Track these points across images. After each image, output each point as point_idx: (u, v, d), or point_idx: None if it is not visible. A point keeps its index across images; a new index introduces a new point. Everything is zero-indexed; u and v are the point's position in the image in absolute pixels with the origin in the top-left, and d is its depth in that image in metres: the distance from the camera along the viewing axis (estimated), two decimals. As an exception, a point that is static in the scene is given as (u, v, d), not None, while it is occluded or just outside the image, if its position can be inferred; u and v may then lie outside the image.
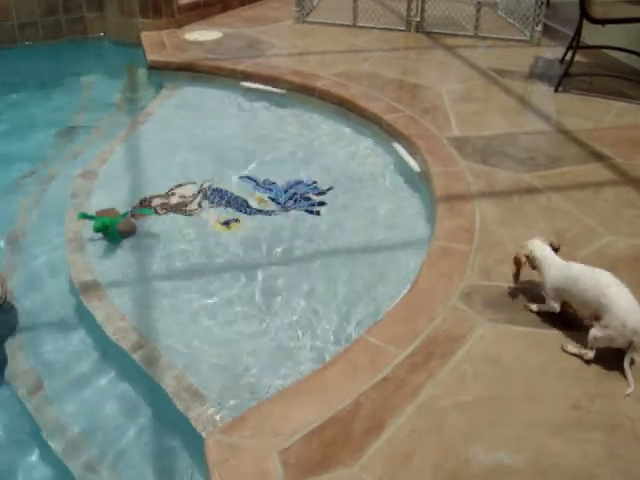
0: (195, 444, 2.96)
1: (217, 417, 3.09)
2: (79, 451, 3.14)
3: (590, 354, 3.09)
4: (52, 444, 3.17)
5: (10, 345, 3.73)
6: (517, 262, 3.43)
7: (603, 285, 3.11)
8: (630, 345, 2.99)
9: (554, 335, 3.25)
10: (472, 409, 2.86)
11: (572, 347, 3.15)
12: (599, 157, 4.95)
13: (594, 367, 3.06)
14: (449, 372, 3.02)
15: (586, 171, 4.76)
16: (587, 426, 2.79)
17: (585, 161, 4.90)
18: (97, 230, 4.31)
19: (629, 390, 2.95)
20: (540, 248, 3.40)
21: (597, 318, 3.10)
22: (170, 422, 3.23)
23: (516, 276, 3.47)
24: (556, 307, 3.31)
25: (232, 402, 3.19)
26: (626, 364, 3.01)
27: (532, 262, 3.41)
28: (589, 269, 3.24)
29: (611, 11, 5.94)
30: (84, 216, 4.41)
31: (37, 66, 7.79)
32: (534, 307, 3.40)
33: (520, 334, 3.26)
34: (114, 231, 4.34)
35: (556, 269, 3.32)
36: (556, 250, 3.46)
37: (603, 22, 5.88)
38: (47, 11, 8.17)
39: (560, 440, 2.72)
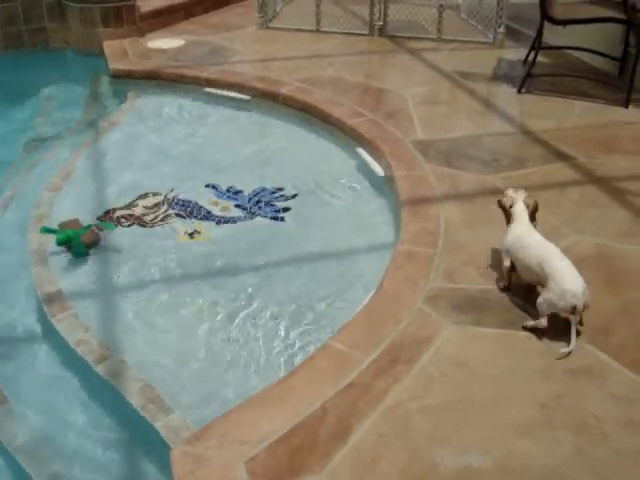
0: (162, 455, 2.92)
1: (184, 428, 3.06)
2: (44, 464, 3.09)
3: (543, 322, 3.24)
4: (17, 457, 3.12)
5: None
6: (502, 207, 3.68)
7: (546, 255, 3.34)
8: (573, 311, 3.14)
9: (520, 336, 3.25)
10: (439, 412, 2.85)
11: (528, 322, 3.30)
12: (563, 157, 4.98)
13: (561, 366, 3.07)
14: (415, 376, 3.01)
15: (550, 171, 4.78)
16: (555, 426, 2.80)
17: (549, 161, 4.93)
18: (60, 243, 4.26)
19: (566, 349, 3.12)
20: (521, 207, 3.59)
21: (539, 284, 3.37)
22: (137, 434, 3.20)
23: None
24: (508, 264, 3.52)
25: (199, 412, 3.15)
26: (572, 327, 3.15)
27: (507, 214, 3.63)
28: (541, 241, 3.46)
29: (571, 12, 5.99)
30: (47, 230, 4.36)
31: (-2, 77, 7.72)
32: (501, 284, 3.60)
33: (486, 336, 3.26)
34: (78, 243, 4.29)
35: (518, 234, 3.52)
36: (533, 213, 3.62)
37: (564, 23, 5.93)
38: (7, 21, 8.08)
39: (528, 441, 2.73)
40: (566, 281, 3.19)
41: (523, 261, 3.44)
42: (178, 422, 3.08)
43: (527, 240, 3.47)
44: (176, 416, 3.11)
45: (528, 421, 2.82)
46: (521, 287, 3.56)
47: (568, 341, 3.14)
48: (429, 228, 4.07)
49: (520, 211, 3.58)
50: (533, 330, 3.27)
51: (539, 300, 3.24)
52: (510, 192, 3.69)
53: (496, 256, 3.78)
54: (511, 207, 3.62)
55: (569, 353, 3.11)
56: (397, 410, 2.85)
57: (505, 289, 3.59)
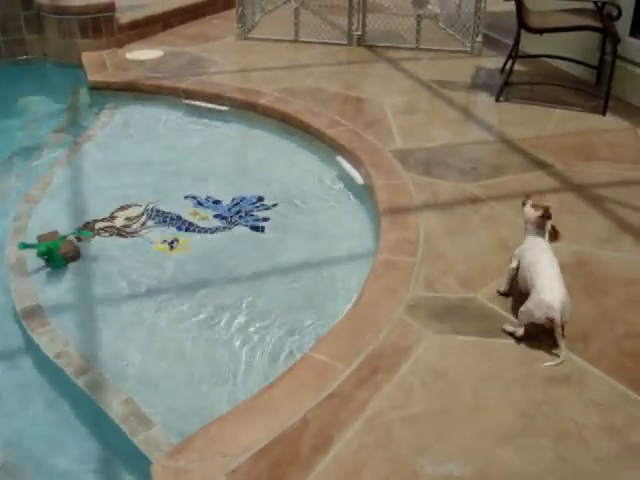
0: (143, 469, 2.91)
1: (164, 441, 3.04)
2: (23, 480, 3.08)
3: (520, 331, 3.27)
4: (-4, 475, 3.11)
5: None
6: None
7: (535, 263, 3.33)
8: (551, 322, 3.14)
9: (500, 344, 3.27)
10: (419, 422, 2.85)
11: (508, 325, 3.33)
12: (541, 165, 5.01)
13: (540, 374, 3.08)
14: (395, 386, 3.01)
15: (528, 179, 4.81)
16: (535, 433, 2.81)
17: (527, 169, 4.95)
18: (41, 254, 4.23)
19: (552, 363, 3.14)
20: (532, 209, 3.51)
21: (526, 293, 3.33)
22: (117, 447, 3.18)
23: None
24: (515, 265, 3.50)
25: (180, 425, 3.13)
26: (559, 339, 3.16)
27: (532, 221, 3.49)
28: (539, 250, 3.41)
29: (548, 20, 6.02)
30: (25, 246, 4.33)
31: (-24, 89, 7.68)
32: (502, 288, 3.62)
33: (466, 344, 3.27)
34: (56, 256, 4.27)
35: (531, 239, 3.49)
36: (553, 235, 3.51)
37: (540, 31, 5.95)
38: (-15, 33, 8.06)
39: (509, 449, 2.73)
40: (545, 291, 3.18)
41: (521, 264, 3.46)
42: (159, 435, 3.07)
43: (531, 245, 3.47)
44: (157, 429, 3.10)
45: (508, 429, 2.83)
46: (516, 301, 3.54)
47: (548, 350, 3.19)
48: (409, 237, 4.08)
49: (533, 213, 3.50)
50: (511, 335, 3.30)
51: (521, 308, 3.26)
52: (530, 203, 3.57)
53: (475, 262, 3.81)
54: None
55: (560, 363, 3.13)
56: (378, 420, 2.85)
57: (504, 294, 3.61)
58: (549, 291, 3.18)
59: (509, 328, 3.32)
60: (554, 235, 3.50)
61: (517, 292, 3.54)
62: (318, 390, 2.98)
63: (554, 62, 6.85)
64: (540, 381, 3.05)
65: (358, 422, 2.83)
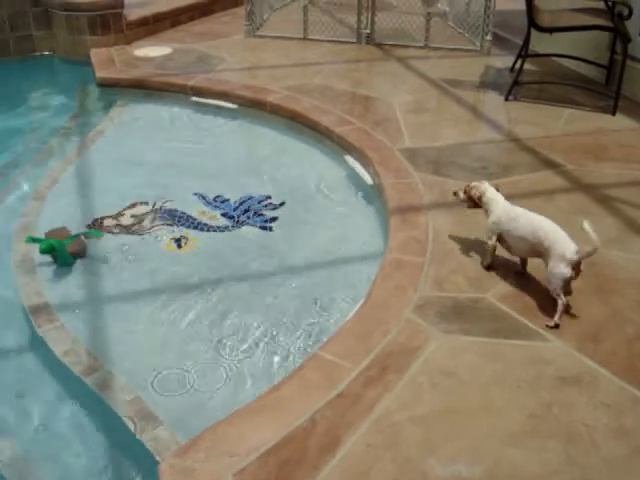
0: (150, 468, 2.90)
1: (172, 440, 3.03)
2: (32, 478, 3.07)
3: (563, 299, 3.38)
4: (5, 474, 3.09)
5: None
6: (473, 199, 3.85)
7: (539, 224, 3.55)
8: (574, 271, 3.37)
9: (509, 345, 3.25)
10: (428, 422, 2.84)
11: (553, 319, 3.37)
12: (550, 164, 4.99)
13: (550, 375, 3.06)
14: (404, 386, 3.00)
15: (538, 179, 4.79)
16: (544, 435, 2.79)
17: (537, 169, 4.93)
18: (43, 252, 4.22)
19: (551, 322, 3.36)
20: (492, 191, 3.81)
21: (533, 254, 3.59)
22: (125, 446, 3.17)
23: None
24: (494, 241, 3.74)
25: (187, 424, 3.12)
26: (562, 302, 3.37)
27: (481, 201, 3.81)
28: (527, 212, 3.68)
29: (558, 19, 6.00)
30: (32, 240, 4.33)
31: (-16, 85, 7.69)
32: (485, 262, 3.82)
33: (475, 345, 3.25)
34: (63, 253, 4.26)
35: (502, 208, 3.72)
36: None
37: (550, 30, 5.94)
38: (-7, 29, 8.07)
39: (517, 450, 2.72)
40: (568, 247, 3.36)
41: (515, 232, 3.62)
42: (166, 435, 3.06)
43: (514, 213, 3.68)
44: (164, 428, 3.09)
45: (517, 430, 2.81)
46: (509, 268, 3.79)
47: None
48: (418, 236, 4.06)
49: (494, 193, 3.80)
50: (555, 326, 3.37)
51: (551, 278, 3.40)
52: (474, 184, 3.89)
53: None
54: (481, 197, 3.81)
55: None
56: (387, 420, 2.83)
57: (489, 267, 3.80)
58: (568, 247, 3.36)
59: (555, 318, 3.38)
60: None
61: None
62: (326, 390, 2.97)
63: (564, 61, 6.84)
64: (549, 382, 3.04)
65: (366, 422, 2.82)
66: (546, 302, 3.48)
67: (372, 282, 3.71)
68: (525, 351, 3.22)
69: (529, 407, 2.92)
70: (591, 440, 2.76)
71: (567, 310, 3.42)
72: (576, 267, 3.36)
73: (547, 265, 3.42)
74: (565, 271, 3.34)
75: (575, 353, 3.18)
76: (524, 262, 3.77)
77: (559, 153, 5.15)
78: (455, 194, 3.97)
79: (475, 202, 3.85)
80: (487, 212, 3.79)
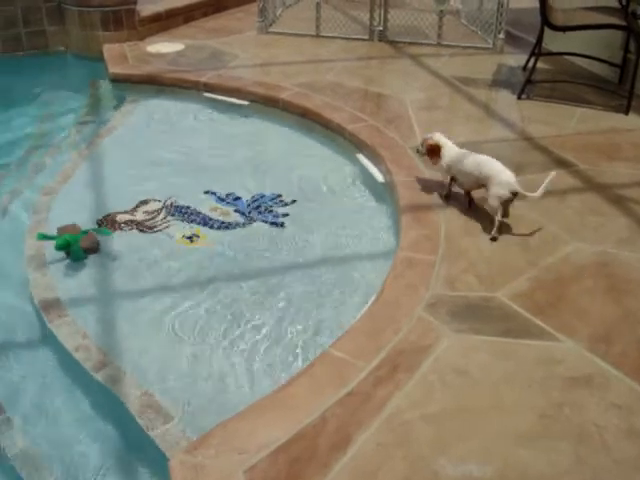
0: (160, 464, 2.91)
1: (182, 436, 3.04)
2: (43, 474, 3.07)
3: (498, 216, 4.07)
4: (15, 466, 3.10)
5: (-30, 366, 3.66)
6: (436, 149, 4.47)
7: (481, 160, 4.24)
8: (515, 195, 4.05)
9: (520, 345, 3.24)
10: (439, 421, 2.83)
11: (492, 232, 4.09)
12: (563, 164, 4.97)
13: (561, 375, 3.05)
14: (415, 384, 2.99)
15: (550, 178, 4.77)
16: (555, 435, 2.78)
17: (549, 168, 4.89)
18: (59, 248, 4.24)
19: (489, 235, 4.07)
20: (443, 138, 4.51)
21: (479, 187, 4.26)
22: (135, 442, 3.18)
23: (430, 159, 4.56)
24: (447, 177, 4.47)
25: (198, 420, 3.13)
26: (497, 219, 4.06)
27: (437, 148, 4.45)
28: (472, 152, 4.39)
29: (571, 18, 5.98)
30: (43, 237, 4.34)
31: (-2, 80, 7.72)
32: (444, 194, 4.51)
33: (486, 344, 3.24)
34: (77, 248, 4.27)
35: (453, 152, 4.42)
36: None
37: (564, 29, 5.91)
38: (6, 24, 8.08)
39: (528, 450, 2.71)
40: (502, 174, 4.07)
41: (464, 169, 4.29)
42: (176, 431, 3.07)
43: (461, 154, 4.39)
44: (174, 424, 3.10)
45: (528, 430, 2.80)
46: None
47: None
48: (429, 235, 4.06)
49: (445, 140, 4.50)
50: (494, 238, 4.05)
51: (490, 200, 4.10)
52: (428, 136, 4.57)
53: (496, 261, 3.79)
54: (438, 145, 4.46)
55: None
56: (397, 419, 2.83)
57: (447, 197, 4.48)
58: (504, 174, 4.07)
59: (493, 232, 4.07)
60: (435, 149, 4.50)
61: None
62: (337, 388, 2.97)
63: (577, 60, 6.81)
64: (561, 382, 3.03)
65: (377, 421, 2.82)
66: (485, 223, 4.19)
67: (383, 280, 3.71)
68: (536, 351, 3.21)
69: (540, 407, 2.91)
70: (602, 441, 2.75)
71: (500, 229, 4.09)
72: (509, 200, 4.06)
73: (488, 191, 4.10)
74: (502, 192, 4.03)
75: (586, 353, 3.17)
76: (470, 198, 4.44)
77: (571, 152, 5.13)
78: (417, 151, 4.67)
79: (434, 151, 4.47)
80: (440, 158, 4.45)
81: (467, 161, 4.29)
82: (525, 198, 4.07)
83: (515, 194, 4.04)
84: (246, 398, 3.21)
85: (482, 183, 4.19)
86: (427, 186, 4.62)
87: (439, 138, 4.49)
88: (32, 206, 4.92)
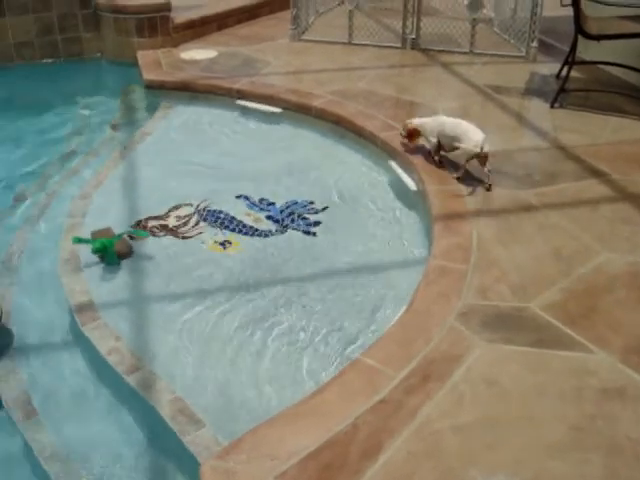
0: (191, 469, 2.93)
1: (213, 441, 3.06)
2: (74, 476, 3.11)
3: (461, 171, 4.82)
4: (47, 469, 3.14)
5: (4, 368, 3.70)
6: (414, 132, 5.15)
7: (458, 123, 4.94)
8: (479, 155, 4.69)
9: (553, 355, 3.23)
10: (470, 431, 2.83)
11: (454, 172, 4.86)
12: (596, 173, 4.94)
13: (594, 387, 3.03)
14: (446, 394, 2.99)
15: (583, 188, 4.74)
16: (587, 447, 2.76)
17: (582, 177, 4.88)
18: (96, 251, 4.28)
19: (454, 175, 4.85)
20: (419, 120, 5.20)
21: (456, 147, 4.86)
22: (166, 446, 3.20)
23: (407, 145, 5.26)
24: (434, 141, 5.02)
25: (229, 426, 3.15)
26: (463, 166, 4.80)
27: (415, 132, 5.15)
28: (449, 118, 5.11)
29: (606, 27, 5.94)
30: (79, 240, 4.39)
31: (33, 86, 7.79)
32: (437, 158, 5.07)
33: (518, 354, 3.23)
34: (112, 252, 4.31)
35: (431, 122, 5.11)
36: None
37: (598, 38, 5.88)
38: (43, 31, 8.19)
39: (559, 462, 2.70)
40: (471, 134, 4.73)
41: (445, 133, 4.93)
42: (208, 436, 3.09)
43: (440, 121, 5.06)
44: (206, 430, 3.12)
45: (559, 442, 2.79)
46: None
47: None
48: (461, 243, 4.05)
49: (422, 120, 5.18)
50: (458, 179, 4.80)
51: (458, 152, 4.86)
52: (406, 122, 5.23)
53: (528, 271, 3.78)
54: (416, 128, 5.14)
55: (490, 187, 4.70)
56: (428, 428, 2.83)
57: (440, 162, 5.03)
58: (474, 133, 4.73)
59: (454, 174, 4.84)
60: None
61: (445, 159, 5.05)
62: (368, 396, 2.97)
63: (611, 69, 6.76)
64: (593, 394, 3.01)
65: (408, 429, 2.82)
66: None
67: (415, 289, 3.71)
68: (568, 362, 3.19)
69: (571, 419, 2.89)
70: (634, 454, 2.73)
71: (460, 178, 4.80)
72: (482, 157, 4.71)
73: (459, 148, 4.79)
74: (470, 147, 4.68)
75: (619, 365, 3.15)
76: (441, 158, 5.08)
77: (605, 162, 5.09)
78: (401, 134, 5.27)
79: (413, 135, 5.15)
80: (424, 133, 5.12)
81: (447, 125, 4.96)
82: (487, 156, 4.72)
83: (482, 150, 4.66)
84: (276, 405, 3.23)
85: (456, 143, 4.85)
86: (458, 194, 4.62)
87: (417, 122, 5.16)
88: (67, 210, 4.97)
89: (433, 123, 5.08)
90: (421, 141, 5.20)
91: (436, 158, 5.05)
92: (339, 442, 2.76)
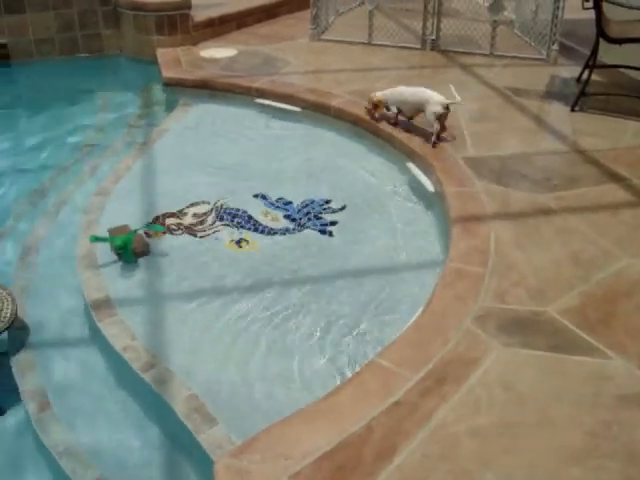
0: (205, 467, 2.93)
1: (227, 440, 3.06)
2: (88, 472, 3.11)
3: (436, 125, 5.34)
4: (61, 464, 3.14)
5: (20, 362, 3.72)
6: (379, 105, 5.81)
7: (416, 90, 5.62)
8: (447, 109, 5.36)
9: (570, 361, 3.20)
10: (485, 435, 2.81)
11: (432, 138, 5.38)
12: (615, 178, 4.90)
13: (611, 393, 3.01)
14: (462, 397, 2.97)
15: (603, 192, 4.71)
16: (603, 454, 2.74)
17: (601, 182, 4.85)
18: (118, 248, 4.29)
19: (430, 143, 5.39)
20: (381, 92, 5.83)
21: (420, 110, 5.54)
22: (180, 444, 3.21)
23: (373, 115, 5.92)
24: (394, 109, 5.75)
25: (243, 425, 3.14)
26: (436, 128, 5.36)
27: (379, 103, 5.80)
28: (408, 87, 5.77)
29: (628, 30, 5.90)
30: (96, 239, 4.39)
31: (53, 82, 7.84)
32: (393, 122, 5.81)
33: (535, 358, 3.21)
34: (130, 250, 4.32)
35: (391, 92, 5.77)
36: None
37: (620, 41, 5.84)
38: (63, 27, 8.24)
39: (575, 468, 2.67)
40: (435, 97, 5.40)
41: (406, 100, 5.64)
42: (222, 434, 3.08)
43: (400, 90, 5.75)
44: (220, 428, 3.11)
45: (576, 448, 2.77)
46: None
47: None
48: (479, 246, 4.03)
49: (383, 92, 5.80)
50: (438, 138, 5.37)
51: (428, 116, 5.39)
52: (370, 96, 5.86)
53: (546, 275, 3.76)
54: (380, 100, 5.79)
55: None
56: (444, 431, 2.81)
57: (395, 124, 5.76)
58: (437, 96, 5.40)
59: (433, 138, 5.33)
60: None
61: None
62: (383, 397, 2.96)
63: (632, 73, 6.71)
64: (611, 400, 2.99)
65: (423, 432, 2.80)
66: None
67: (432, 291, 3.69)
68: (586, 367, 3.17)
69: (588, 425, 2.87)
70: (652, 461, 2.71)
71: (439, 137, 5.39)
72: (443, 115, 5.35)
73: (426, 111, 5.40)
74: (437, 108, 5.31)
75: (637, 371, 3.12)
76: (396, 121, 5.80)
77: (625, 166, 5.06)
78: (367, 109, 5.91)
79: (378, 106, 5.81)
80: (386, 102, 5.77)
81: (407, 94, 5.64)
82: (454, 105, 5.41)
83: (447, 108, 5.32)
84: (290, 404, 3.21)
85: (420, 108, 5.50)
86: (475, 198, 4.60)
87: (380, 95, 5.80)
88: (85, 206, 4.99)
89: (392, 94, 5.75)
90: (384, 110, 5.86)
91: (391, 121, 5.81)
92: (353, 443, 2.75)
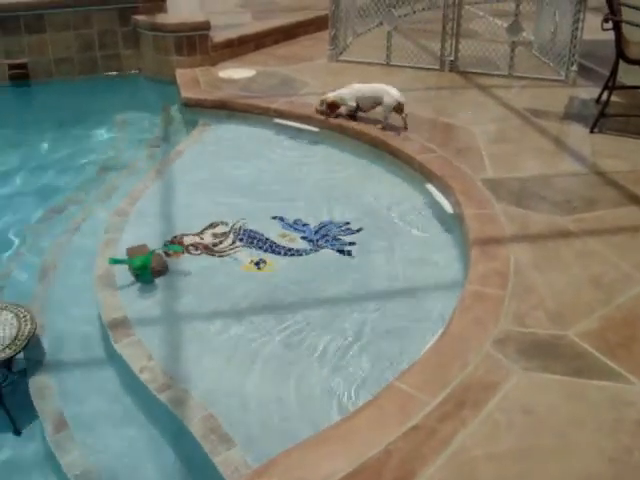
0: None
1: (244, 463, 3.04)
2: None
3: (388, 119, 6.07)
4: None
5: (37, 382, 3.73)
6: (334, 104, 6.32)
7: (375, 86, 6.21)
8: (401, 107, 6.03)
9: (590, 385, 3.17)
10: (504, 460, 2.78)
11: (381, 124, 6.11)
12: (636, 200, 4.87)
13: (632, 419, 2.97)
14: (481, 422, 2.94)
15: (622, 214, 4.68)
16: (624, 480, 2.71)
17: (621, 204, 4.82)
18: (137, 269, 4.29)
19: (379, 126, 6.13)
20: (333, 93, 6.34)
21: (378, 104, 6.13)
22: (196, 466, 3.19)
23: (329, 114, 6.38)
24: (354, 105, 6.29)
25: (260, 447, 3.13)
26: (386, 120, 6.09)
27: (334, 104, 6.31)
28: (364, 84, 6.31)
29: (648, 52, 5.89)
30: (115, 261, 4.39)
31: (72, 101, 7.90)
32: (343, 112, 6.41)
33: (555, 383, 3.18)
34: (148, 270, 4.32)
35: (348, 90, 6.30)
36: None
37: (640, 62, 5.83)
38: (83, 47, 8.32)
39: (596, 495, 2.65)
40: (391, 91, 6.01)
41: (365, 96, 6.21)
42: (239, 456, 3.07)
43: (357, 87, 6.29)
44: (237, 450, 3.10)
45: (595, 474, 2.74)
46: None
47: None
48: (498, 269, 4.00)
49: (338, 92, 6.34)
50: (384, 128, 6.05)
51: (384, 109, 6.05)
52: (323, 97, 6.36)
53: (566, 298, 3.73)
54: (334, 100, 6.30)
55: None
56: (462, 456, 2.78)
57: (354, 117, 6.34)
58: (392, 90, 6.01)
59: (382, 124, 6.08)
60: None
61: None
62: (402, 421, 2.93)
63: (651, 94, 6.71)
64: (631, 426, 2.95)
65: (441, 457, 2.77)
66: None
67: (451, 314, 3.67)
68: (606, 392, 3.13)
69: (608, 450, 2.83)
70: (674, 488, 2.68)
71: (385, 127, 6.07)
72: (399, 107, 6.02)
73: (383, 104, 6.01)
74: (391, 101, 5.97)
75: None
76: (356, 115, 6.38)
77: (645, 188, 5.03)
78: (318, 111, 6.40)
79: (333, 106, 6.31)
80: (343, 101, 6.29)
81: (365, 90, 6.21)
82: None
83: (399, 103, 5.96)
84: (309, 427, 3.20)
85: (377, 102, 6.09)
86: (494, 220, 4.58)
87: (334, 95, 6.29)
88: (104, 226, 5.00)
89: (350, 91, 6.26)
90: (341, 109, 6.36)
91: (344, 113, 6.34)
92: (372, 467, 2.72)
